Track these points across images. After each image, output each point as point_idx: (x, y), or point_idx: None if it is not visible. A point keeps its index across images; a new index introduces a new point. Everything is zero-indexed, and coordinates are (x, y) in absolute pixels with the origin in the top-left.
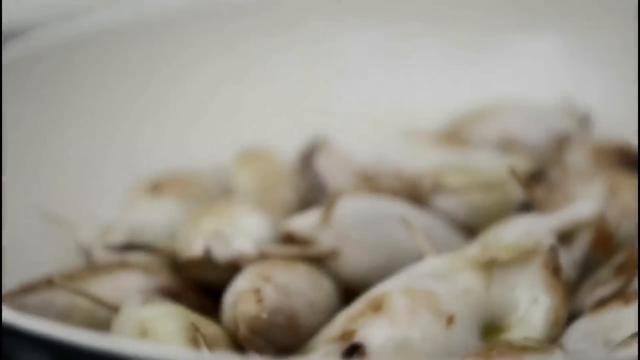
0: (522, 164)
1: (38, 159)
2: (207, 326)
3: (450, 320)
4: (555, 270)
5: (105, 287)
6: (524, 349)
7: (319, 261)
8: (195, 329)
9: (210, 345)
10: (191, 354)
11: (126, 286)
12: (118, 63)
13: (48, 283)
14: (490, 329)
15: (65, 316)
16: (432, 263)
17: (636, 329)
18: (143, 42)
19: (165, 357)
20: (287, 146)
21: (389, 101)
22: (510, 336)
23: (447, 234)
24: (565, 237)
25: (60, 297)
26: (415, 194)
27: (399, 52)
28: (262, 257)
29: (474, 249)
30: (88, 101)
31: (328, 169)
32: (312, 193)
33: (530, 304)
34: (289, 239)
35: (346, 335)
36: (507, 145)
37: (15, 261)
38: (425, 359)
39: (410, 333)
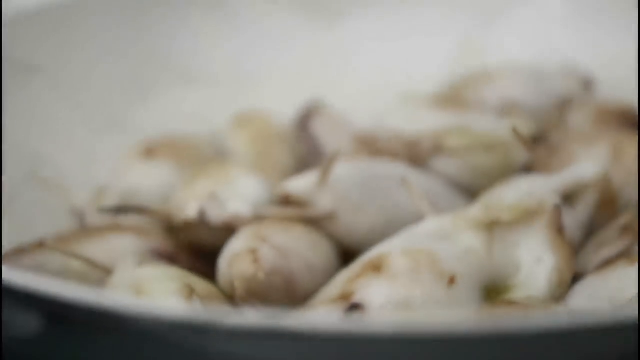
0: (524, 127)
1: (31, 123)
2: (203, 287)
3: (451, 280)
4: (560, 229)
5: (99, 249)
6: (527, 307)
7: (317, 223)
8: (190, 290)
9: (206, 305)
10: (187, 310)
11: (120, 248)
12: (109, 25)
13: (40, 246)
14: (493, 290)
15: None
16: (433, 224)
17: None
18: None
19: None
20: (285, 110)
21: (388, 65)
22: (513, 297)
23: (448, 196)
24: (569, 198)
25: (53, 260)
26: (415, 156)
27: (398, 16)
28: (258, 219)
29: (476, 210)
30: (81, 64)
31: (325, 132)
32: (309, 157)
33: (534, 264)
34: (286, 201)
35: (345, 296)
36: (508, 108)
37: (9, 225)
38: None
39: (411, 293)
